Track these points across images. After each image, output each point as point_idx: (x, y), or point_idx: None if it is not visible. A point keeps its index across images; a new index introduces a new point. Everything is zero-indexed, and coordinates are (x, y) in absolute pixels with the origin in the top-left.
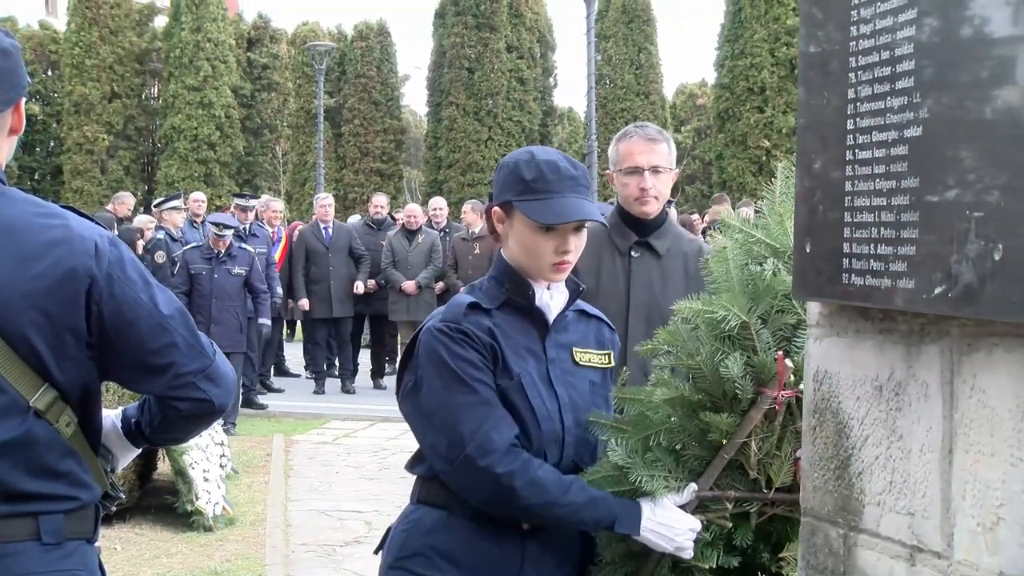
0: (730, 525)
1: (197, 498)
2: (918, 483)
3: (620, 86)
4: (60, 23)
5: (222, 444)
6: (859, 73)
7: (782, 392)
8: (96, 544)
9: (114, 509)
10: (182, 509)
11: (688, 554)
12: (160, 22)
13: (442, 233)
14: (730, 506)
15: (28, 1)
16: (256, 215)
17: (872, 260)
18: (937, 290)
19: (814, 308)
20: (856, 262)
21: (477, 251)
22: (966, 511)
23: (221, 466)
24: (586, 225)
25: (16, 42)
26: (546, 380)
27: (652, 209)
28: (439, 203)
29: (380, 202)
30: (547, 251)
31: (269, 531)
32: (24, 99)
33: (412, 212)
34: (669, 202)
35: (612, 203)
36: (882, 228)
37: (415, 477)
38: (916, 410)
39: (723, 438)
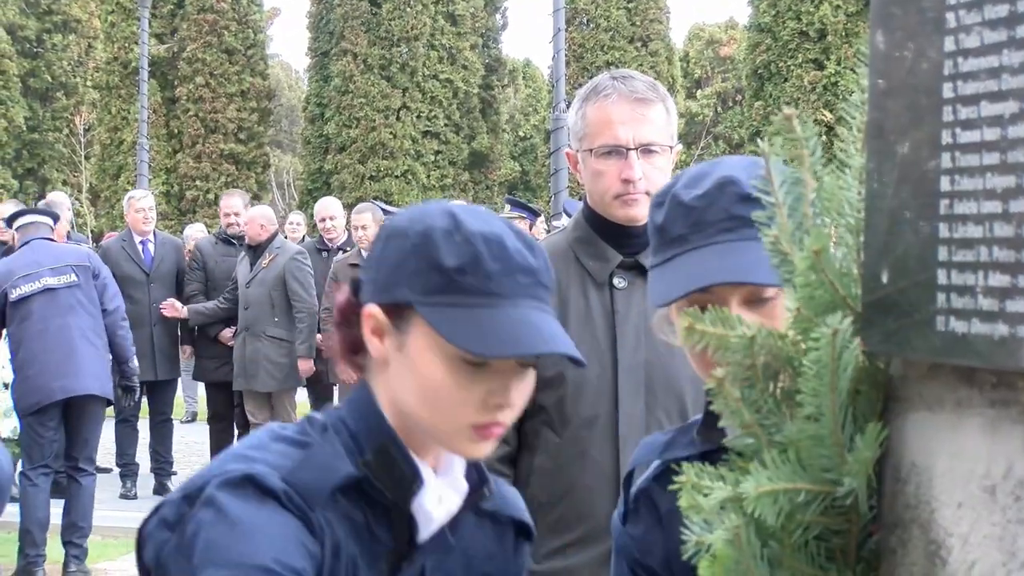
0: None
1: None
2: None
3: (605, 28)
4: None
5: None
6: (962, 13)
7: None
8: None
9: None
10: None
11: None
12: None
13: (339, 252)
14: None
15: None
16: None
17: (981, 295)
18: None
19: (893, 369)
20: (957, 299)
21: None
22: None
23: None
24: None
25: None
26: None
27: (642, 212)
28: (329, 207)
29: (233, 206)
30: (470, 403)
31: None
32: None
33: (257, 218)
34: None
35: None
36: (996, 247)
37: None
38: None
39: None
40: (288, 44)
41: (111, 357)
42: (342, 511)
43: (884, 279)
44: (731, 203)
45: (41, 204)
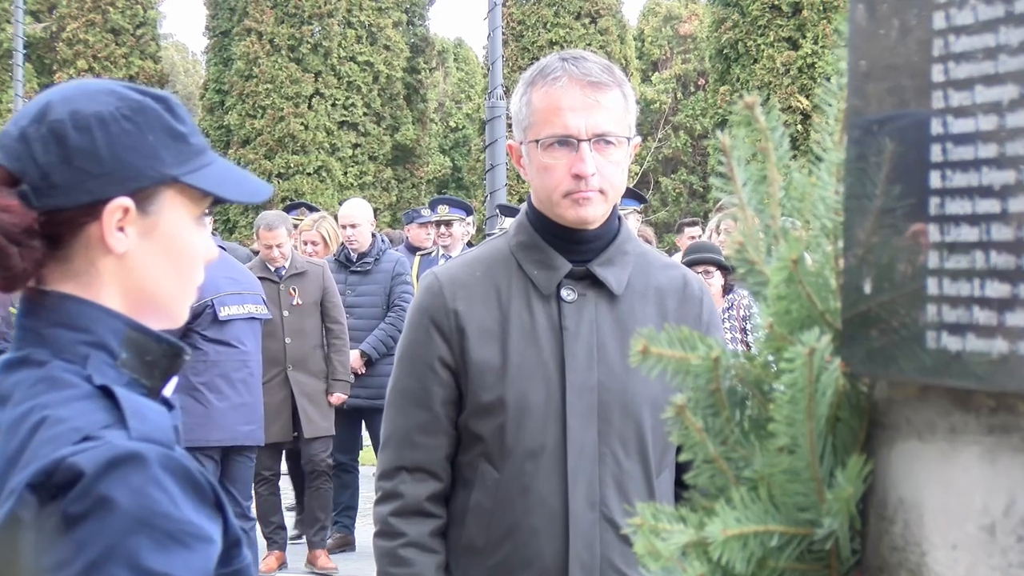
0: None
1: None
2: None
3: (548, 2)
4: None
5: None
6: None
7: None
8: None
9: None
10: None
11: None
12: None
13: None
14: None
15: None
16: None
17: (976, 307)
18: None
19: (878, 392)
20: (949, 311)
21: (297, 300)
22: None
23: None
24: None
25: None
26: None
27: (595, 213)
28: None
29: None
30: (200, 260)
31: None
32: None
33: None
34: (638, 198)
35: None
36: (993, 251)
37: None
38: None
39: None
40: (183, 23)
41: None
42: None
43: (867, 290)
44: None
45: None
